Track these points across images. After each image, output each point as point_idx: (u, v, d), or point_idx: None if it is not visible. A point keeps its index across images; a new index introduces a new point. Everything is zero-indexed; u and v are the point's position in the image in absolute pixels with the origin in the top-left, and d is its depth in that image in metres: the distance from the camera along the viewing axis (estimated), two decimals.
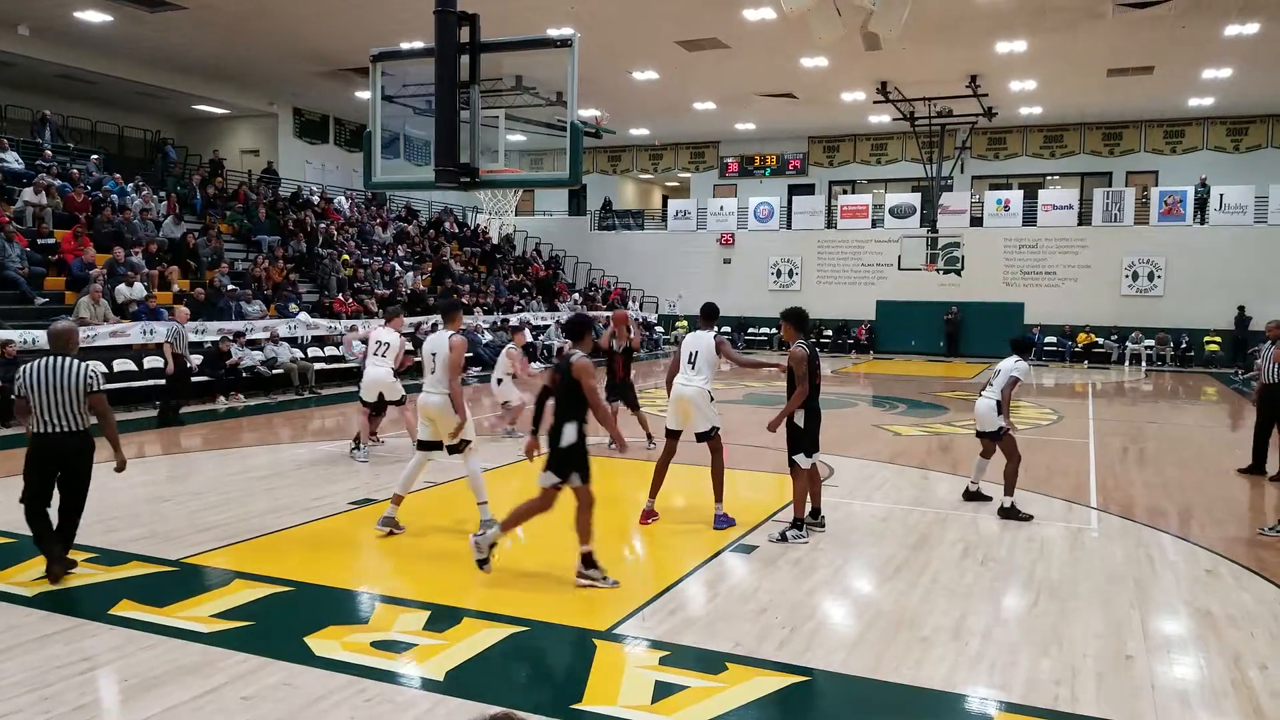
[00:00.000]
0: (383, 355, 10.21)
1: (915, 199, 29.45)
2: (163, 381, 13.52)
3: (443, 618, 5.49)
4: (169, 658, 4.84)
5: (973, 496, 8.72)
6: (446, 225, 30.37)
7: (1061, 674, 4.86)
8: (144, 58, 21.99)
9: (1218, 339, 26.19)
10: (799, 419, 7.23)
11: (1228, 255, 26.04)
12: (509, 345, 11.91)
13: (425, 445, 7.42)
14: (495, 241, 31.73)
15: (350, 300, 20.49)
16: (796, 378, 7.14)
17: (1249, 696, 4.64)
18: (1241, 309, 25.50)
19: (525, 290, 28.55)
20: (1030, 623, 5.65)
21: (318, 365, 17.60)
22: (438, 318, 9.51)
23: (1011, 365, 8.24)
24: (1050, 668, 4.94)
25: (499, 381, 11.75)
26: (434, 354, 7.30)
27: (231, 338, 15.75)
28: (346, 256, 22.57)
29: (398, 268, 24.00)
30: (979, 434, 8.50)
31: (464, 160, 6.14)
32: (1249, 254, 25.82)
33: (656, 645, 5.16)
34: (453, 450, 7.35)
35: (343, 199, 26.73)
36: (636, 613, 5.64)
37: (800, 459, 7.25)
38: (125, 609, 5.54)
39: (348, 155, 29.43)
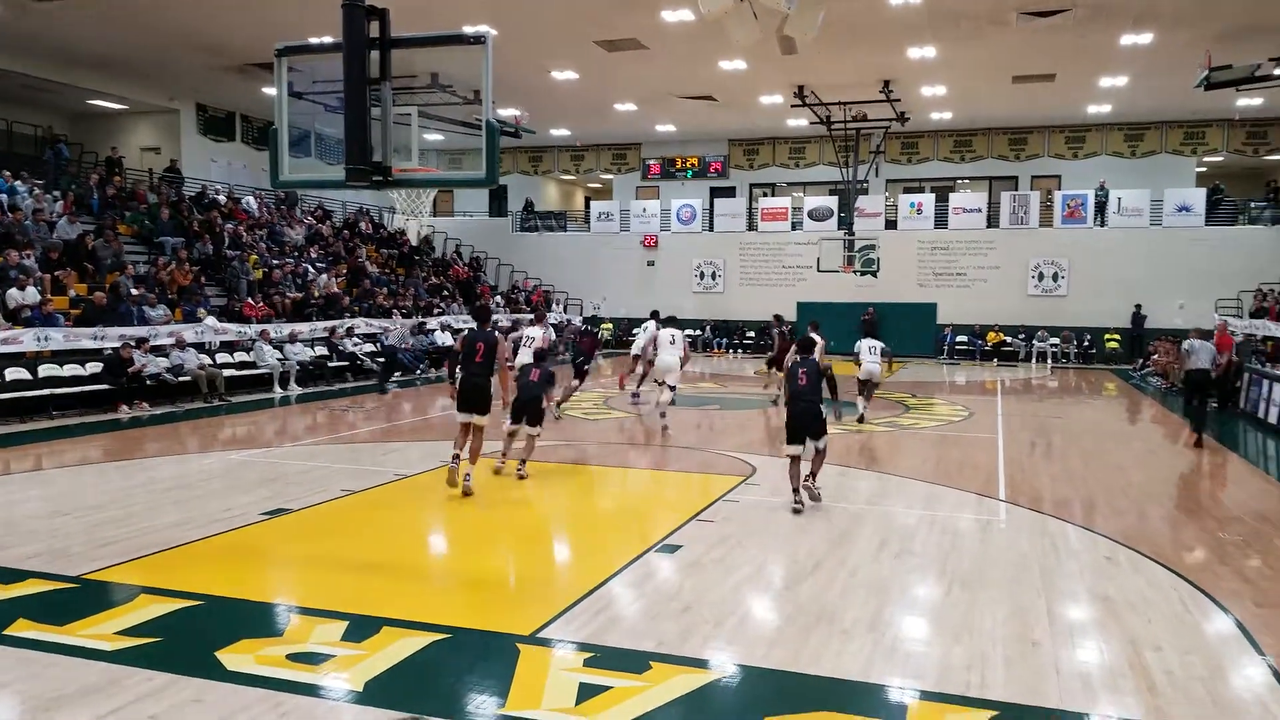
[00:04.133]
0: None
1: (833, 202, 29.98)
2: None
3: (361, 627, 5.37)
4: (70, 677, 4.63)
5: None
6: (362, 226, 29.78)
7: (972, 660, 5.01)
8: (32, 49, 20.85)
9: (1117, 336, 27.35)
10: None
11: (1125, 256, 27.21)
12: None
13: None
14: (414, 243, 31.21)
15: (261, 304, 19.92)
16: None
17: (1144, 676, 4.86)
18: (1138, 307, 26.75)
19: (445, 293, 28.17)
20: (943, 612, 5.82)
21: (227, 372, 17.05)
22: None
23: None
24: (962, 655, 5.09)
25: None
26: (673, 337, 13.58)
27: (134, 344, 15.15)
28: (256, 258, 21.92)
29: (311, 270, 23.41)
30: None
31: (376, 159, 6.04)
32: (1145, 255, 27.02)
33: (581, 647, 5.14)
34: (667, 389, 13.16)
35: (251, 199, 25.91)
36: (560, 616, 5.62)
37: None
38: (22, 629, 5.28)
39: (256, 154, 28.54)
